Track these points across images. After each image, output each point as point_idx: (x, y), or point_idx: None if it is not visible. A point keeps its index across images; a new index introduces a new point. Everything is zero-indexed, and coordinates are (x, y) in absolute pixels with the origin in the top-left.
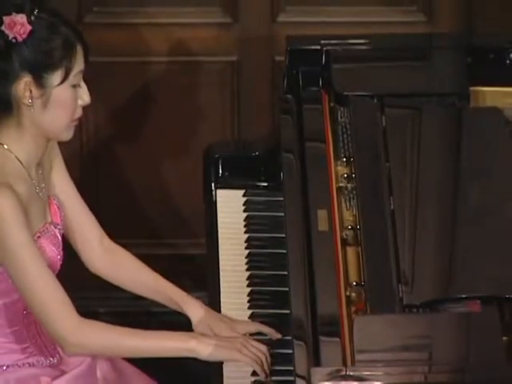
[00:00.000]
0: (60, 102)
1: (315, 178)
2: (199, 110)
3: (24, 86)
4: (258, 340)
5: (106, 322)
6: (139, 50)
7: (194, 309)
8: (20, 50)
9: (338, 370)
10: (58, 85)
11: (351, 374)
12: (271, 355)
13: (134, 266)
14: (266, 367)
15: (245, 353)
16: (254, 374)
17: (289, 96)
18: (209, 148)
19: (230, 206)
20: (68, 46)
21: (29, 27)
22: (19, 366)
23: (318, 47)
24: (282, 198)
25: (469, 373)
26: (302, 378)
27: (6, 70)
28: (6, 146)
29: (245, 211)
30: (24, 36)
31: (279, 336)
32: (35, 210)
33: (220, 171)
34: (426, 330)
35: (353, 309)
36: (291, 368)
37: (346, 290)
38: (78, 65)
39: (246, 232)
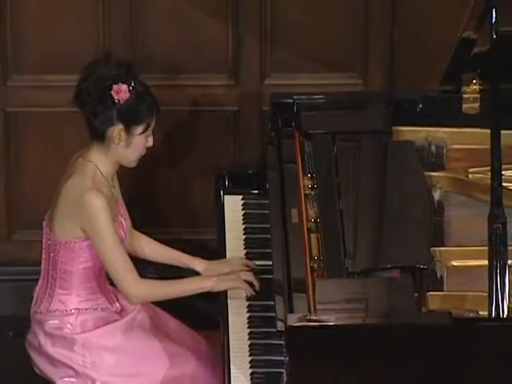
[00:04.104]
0: (137, 146)
1: (290, 187)
2: (212, 143)
3: (117, 131)
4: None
5: None
6: (172, 102)
7: (199, 263)
8: (119, 108)
9: (305, 315)
10: (139, 134)
11: (313, 318)
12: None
13: (149, 243)
14: (255, 285)
15: (239, 281)
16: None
17: (272, 133)
18: (219, 168)
19: (233, 206)
20: (150, 110)
21: (128, 94)
22: (94, 310)
23: (292, 100)
24: (267, 201)
25: (391, 318)
26: (281, 320)
27: (107, 118)
28: (93, 162)
29: (243, 209)
30: (124, 100)
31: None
32: (112, 205)
33: (227, 183)
34: (364, 289)
35: (315, 275)
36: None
37: (310, 262)
38: (153, 122)
39: (243, 223)
